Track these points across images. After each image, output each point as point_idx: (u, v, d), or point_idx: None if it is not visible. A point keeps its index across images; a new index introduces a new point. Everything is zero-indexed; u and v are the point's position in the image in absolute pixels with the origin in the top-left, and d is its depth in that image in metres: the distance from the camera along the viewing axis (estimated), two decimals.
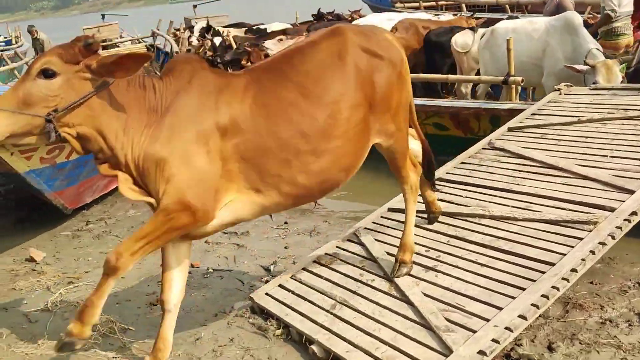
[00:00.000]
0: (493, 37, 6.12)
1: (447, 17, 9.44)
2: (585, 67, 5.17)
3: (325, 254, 3.64)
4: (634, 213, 3.12)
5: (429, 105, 5.99)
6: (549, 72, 5.56)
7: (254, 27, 11.53)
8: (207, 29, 11.57)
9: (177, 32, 12.55)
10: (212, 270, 4.09)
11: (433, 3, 13.16)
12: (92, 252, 4.67)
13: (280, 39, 7.75)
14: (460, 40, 7.11)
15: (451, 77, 6.84)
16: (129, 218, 5.45)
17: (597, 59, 5.19)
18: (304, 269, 3.52)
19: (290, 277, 3.46)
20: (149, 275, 4.07)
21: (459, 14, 10.04)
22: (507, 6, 11.23)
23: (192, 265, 4.14)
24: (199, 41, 11.26)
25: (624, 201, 3.24)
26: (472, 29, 7.44)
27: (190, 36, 11.56)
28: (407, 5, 13.10)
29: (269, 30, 10.43)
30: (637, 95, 4.59)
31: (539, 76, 5.88)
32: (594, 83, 5.06)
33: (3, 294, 3.93)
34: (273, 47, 7.78)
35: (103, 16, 18.15)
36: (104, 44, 13.94)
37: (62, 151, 4.78)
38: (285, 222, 4.94)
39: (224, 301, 3.58)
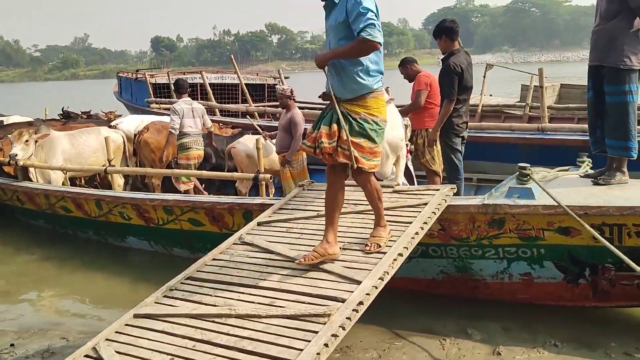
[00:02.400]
0: None
1: None
2: None
3: None
4: (361, 303, 3.38)
5: (183, 201, 5.95)
6: None
7: None
8: None
9: None
10: None
11: None
12: None
13: (27, 141, 7.11)
14: (243, 147, 7.46)
15: (205, 173, 6.97)
16: None
17: None
18: None
19: None
20: None
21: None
22: (256, 113, 12.15)
23: None
24: None
25: (352, 292, 3.50)
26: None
27: None
28: (163, 106, 13.34)
29: (5, 122, 9.51)
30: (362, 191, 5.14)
31: None
32: None
33: None
34: (20, 152, 7.13)
35: None
36: None
37: None
38: (12, 345, 4.24)
39: None
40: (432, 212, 4.33)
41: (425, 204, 4.47)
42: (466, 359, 3.96)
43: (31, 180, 7.45)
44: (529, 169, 4.42)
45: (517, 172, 4.48)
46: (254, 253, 4.39)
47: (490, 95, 13.46)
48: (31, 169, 7.40)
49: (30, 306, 5.38)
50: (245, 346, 3.20)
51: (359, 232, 4.35)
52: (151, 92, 14.95)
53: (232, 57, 14.79)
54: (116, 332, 3.58)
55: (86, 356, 3.35)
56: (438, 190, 4.72)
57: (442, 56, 5.86)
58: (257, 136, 7.57)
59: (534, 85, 10.74)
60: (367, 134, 3.70)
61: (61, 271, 6.24)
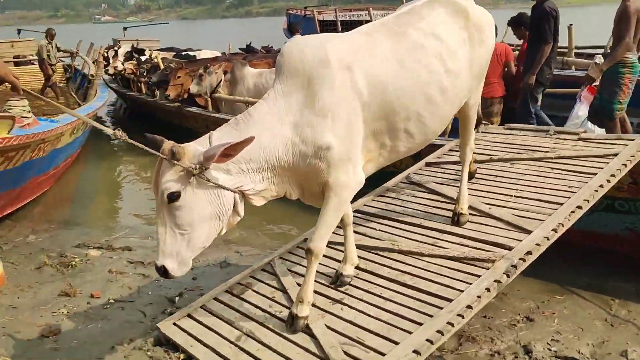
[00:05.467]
0: None
1: None
2: None
3: (238, 283, 3.56)
4: (529, 252, 3.23)
5: None
6: None
7: (183, 53, 11.45)
8: (136, 50, 11.34)
9: (106, 54, 12.15)
10: (112, 301, 3.90)
11: None
12: None
13: (201, 76, 7.80)
14: None
15: None
16: (27, 244, 5.13)
17: None
18: (215, 298, 3.42)
19: (200, 307, 3.35)
20: (45, 304, 3.84)
21: None
22: None
23: (91, 296, 3.96)
24: (123, 65, 10.92)
25: (521, 240, 3.35)
26: None
27: (115, 57, 11.23)
28: None
29: (198, 57, 10.38)
30: (545, 137, 4.80)
31: None
32: None
33: None
34: (194, 87, 7.91)
35: (19, 31, 17.30)
36: (17, 60, 13.33)
37: None
38: None
39: (122, 333, 3.41)
40: (623, 165, 3.90)
41: (616, 154, 4.04)
42: (638, 322, 3.62)
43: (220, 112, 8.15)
44: None
45: None
46: (420, 193, 4.38)
47: None
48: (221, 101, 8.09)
49: None
50: (406, 281, 3.27)
51: (534, 179, 4.11)
52: (318, 29, 15.20)
53: None
54: (288, 252, 3.88)
55: (263, 270, 3.70)
56: (633, 140, 4.22)
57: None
58: None
59: None
60: None
61: None
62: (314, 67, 2.77)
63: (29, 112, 5.99)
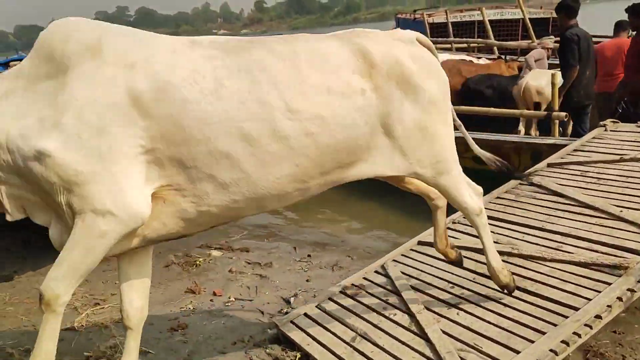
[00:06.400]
0: None
1: (484, 60, 9.47)
2: None
3: (352, 284, 3.61)
4: None
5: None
6: None
7: None
8: None
9: None
10: (233, 300, 4.10)
11: (465, 45, 13.20)
12: None
13: None
14: (535, 83, 7.10)
15: (492, 110, 6.74)
16: (157, 244, 5.51)
17: None
18: (329, 298, 3.49)
19: (316, 307, 3.43)
20: (173, 299, 4.12)
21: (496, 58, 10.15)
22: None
23: (214, 294, 4.19)
24: None
25: None
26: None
27: None
28: (439, 47, 13.20)
29: None
30: None
31: None
32: None
33: (32, 312, 4.02)
34: None
35: None
36: None
37: None
38: (309, 255, 4.94)
39: (242, 330, 3.57)
40: None
41: None
42: None
43: None
44: None
45: None
46: (541, 195, 4.18)
47: None
48: None
49: (324, 223, 6.10)
50: (527, 286, 3.13)
51: None
52: (428, 32, 14.85)
53: None
54: (402, 254, 3.86)
55: (376, 272, 3.71)
56: None
57: None
58: (549, 71, 7.07)
59: None
60: None
61: (348, 196, 6.80)
62: (76, 54, 2.16)
63: None
